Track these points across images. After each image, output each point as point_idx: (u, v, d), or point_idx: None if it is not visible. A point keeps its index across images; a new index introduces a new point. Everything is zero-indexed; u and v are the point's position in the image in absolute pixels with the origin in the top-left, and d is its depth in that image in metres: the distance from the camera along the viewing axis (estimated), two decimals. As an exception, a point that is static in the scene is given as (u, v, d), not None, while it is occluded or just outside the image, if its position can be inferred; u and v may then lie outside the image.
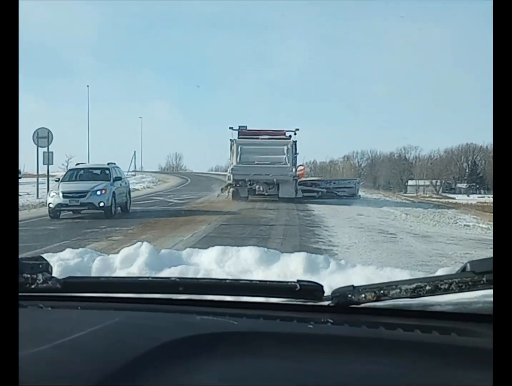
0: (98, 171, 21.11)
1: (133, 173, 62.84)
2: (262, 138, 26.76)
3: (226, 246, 2.09)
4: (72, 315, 1.47)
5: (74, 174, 21.14)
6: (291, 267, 1.89)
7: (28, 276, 1.55)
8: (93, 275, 1.96)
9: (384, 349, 1.25)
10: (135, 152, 69.55)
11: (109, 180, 19.96)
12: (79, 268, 1.98)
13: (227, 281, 1.65)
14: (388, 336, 1.33)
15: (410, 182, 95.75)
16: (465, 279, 1.34)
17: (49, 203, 18.90)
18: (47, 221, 17.92)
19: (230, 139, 27.39)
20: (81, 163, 23.19)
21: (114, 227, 15.59)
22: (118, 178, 20.66)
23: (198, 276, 1.87)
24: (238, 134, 27.61)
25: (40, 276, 1.56)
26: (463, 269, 1.38)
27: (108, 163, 21.55)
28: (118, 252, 2.11)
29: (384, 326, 1.38)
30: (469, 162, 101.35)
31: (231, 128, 27.85)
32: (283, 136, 27.64)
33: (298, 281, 1.51)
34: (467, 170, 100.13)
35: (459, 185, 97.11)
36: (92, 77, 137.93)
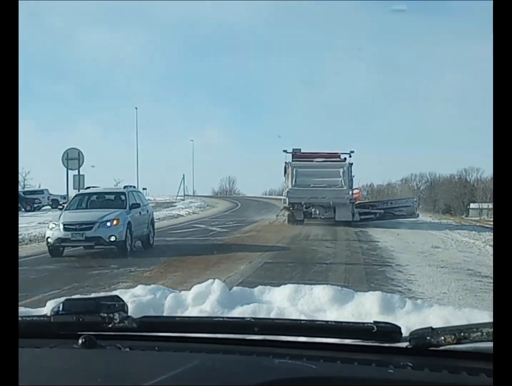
0: (112, 197, 17.46)
1: (182, 198, 61.90)
2: (317, 161, 26.51)
3: (299, 284, 2.07)
4: (151, 357, 1.47)
5: (81, 200, 17.27)
6: (365, 306, 1.86)
7: (105, 315, 1.58)
8: (165, 312, 1.97)
9: None
10: (184, 175, 67.09)
11: (125, 207, 16.29)
12: (152, 305, 1.99)
13: (303, 321, 1.63)
14: (471, 382, 1.29)
15: (472, 205, 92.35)
16: None
17: (47, 237, 15.17)
18: (46, 259, 14.61)
19: (285, 162, 27.26)
20: (93, 186, 18.79)
21: (128, 267, 12.66)
22: (137, 206, 16.88)
23: (271, 315, 1.86)
24: (292, 157, 27.46)
25: (116, 315, 1.58)
26: None
27: (125, 187, 18.14)
28: (190, 289, 2.12)
29: (466, 371, 1.33)
30: None
31: (285, 151, 27.82)
32: (338, 159, 27.38)
33: (375, 322, 1.48)
34: None
35: None
36: (144, 102, 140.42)
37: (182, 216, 36.25)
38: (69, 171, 24.59)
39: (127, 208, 16.29)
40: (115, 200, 17.05)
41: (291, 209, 26.36)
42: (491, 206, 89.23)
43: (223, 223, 29.10)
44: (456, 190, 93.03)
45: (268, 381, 1.21)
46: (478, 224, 32.45)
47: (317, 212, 26.26)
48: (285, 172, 27.49)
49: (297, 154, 27.60)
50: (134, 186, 18.34)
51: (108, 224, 15.20)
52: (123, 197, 16.80)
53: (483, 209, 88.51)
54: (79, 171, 24.81)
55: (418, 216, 28.82)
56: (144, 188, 67.03)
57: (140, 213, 16.97)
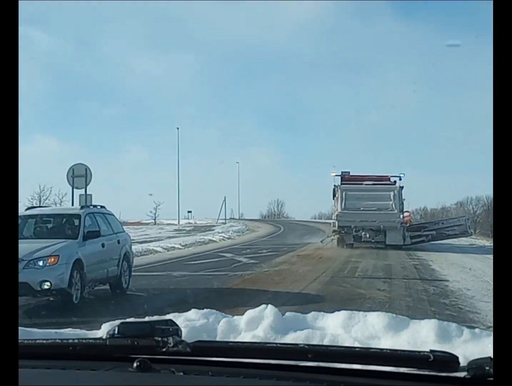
0: (61, 221, 12.07)
1: (224, 221, 60.13)
2: (367, 184, 26.44)
3: (352, 311, 2.05)
4: (204, 382, 1.48)
5: (20, 226, 11.15)
6: (421, 335, 1.83)
7: (160, 339, 1.59)
8: (218, 337, 1.97)
9: None
10: (225, 198, 64.97)
11: (76, 237, 11.09)
12: (205, 329, 2.00)
13: (357, 349, 1.61)
14: None
15: None
16: None
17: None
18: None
19: (334, 185, 27.11)
20: (40, 206, 12.98)
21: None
22: (96, 234, 11.58)
23: (325, 341, 1.84)
24: (341, 180, 27.31)
25: (170, 339, 1.59)
26: None
27: (82, 207, 13.18)
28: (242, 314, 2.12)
29: None
30: None
31: (334, 174, 27.69)
32: (388, 182, 27.17)
33: (432, 351, 1.45)
34: None
35: None
36: (190, 125, 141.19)
37: (214, 241, 33.01)
38: (75, 190, 20.24)
39: (80, 237, 11.09)
40: (65, 225, 11.88)
41: (340, 232, 26.10)
42: None
43: (255, 251, 24.79)
44: None
45: None
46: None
47: (367, 235, 25.84)
48: (334, 196, 27.31)
49: (346, 177, 27.45)
50: (101, 206, 13.21)
51: (40, 263, 9.96)
52: (76, 222, 11.64)
53: None
54: (86, 190, 20.40)
55: (471, 234, 28.35)
56: (189, 211, 65.13)
57: (103, 245, 11.77)
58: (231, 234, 40.00)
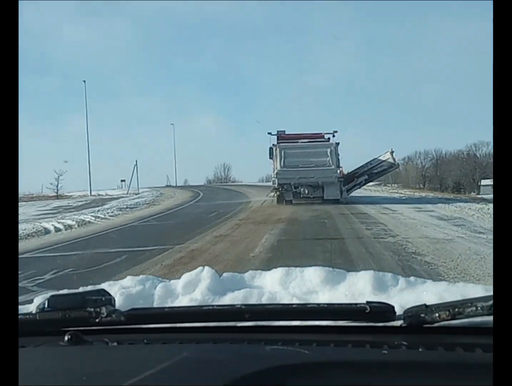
0: None
1: (137, 191, 50.69)
2: (303, 142, 27.12)
3: (289, 267, 2.03)
4: (139, 351, 1.44)
5: None
6: (358, 286, 1.83)
7: (92, 310, 1.54)
8: (155, 302, 1.93)
9: (464, 372, 1.19)
10: (136, 162, 56.19)
11: None
12: (141, 295, 1.96)
13: (294, 305, 1.60)
14: (467, 358, 1.26)
15: (483, 181, 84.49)
16: None
17: None
18: None
19: (273, 144, 27.62)
20: None
21: None
22: None
23: (263, 299, 1.82)
24: (277, 139, 27.88)
25: (103, 309, 1.54)
26: None
27: None
28: (179, 278, 2.07)
29: (462, 347, 1.31)
30: None
31: (269, 133, 28.22)
32: (323, 139, 27.92)
33: (368, 302, 1.45)
34: None
35: None
36: (133, 93, 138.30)
37: (89, 223, 22.58)
38: None
39: None
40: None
41: (280, 189, 26.75)
42: None
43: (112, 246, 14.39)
44: (466, 166, 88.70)
45: (259, 370, 1.18)
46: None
47: (306, 192, 26.69)
48: (270, 155, 27.83)
49: (281, 136, 28.06)
50: None
51: None
52: None
53: None
54: None
55: (398, 166, 29.83)
56: (122, 180, 60.16)
57: None
58: (116, 211, 28.56)
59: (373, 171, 28.38)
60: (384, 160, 28.22)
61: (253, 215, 21.21)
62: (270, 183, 30.04)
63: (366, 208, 22.98)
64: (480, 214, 19.04)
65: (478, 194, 69.65)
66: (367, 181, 28.88)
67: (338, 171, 26.61)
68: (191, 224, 19.02)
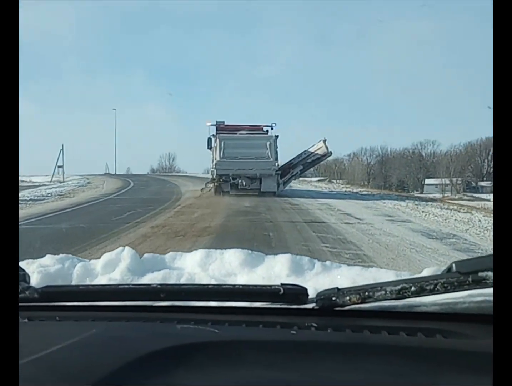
0: None
1: (61, 179, 46.28)
2: (243, 133, 27.01)
3: (210, 249, 2.05)
4: (49, 327, 1.43)
5: None
6: (275, 269, 1.86)
7: None
8: (74, 281, 1.92)
9: (368, 354, 1.23)
10: (62, 146, 51.51)
11: None
12: (60, 275, 1.94)
13: (210, 286, 1.62)
14: (372, 340, 1.31)
15: (427, 180, 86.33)
16: (451, 280, 1.32)
17: None
18: None
19: (213, 135, 27.50)
20: None
21: None
22: None
23: (181, 281, 1.83)
24: (216, 130, 27.68)
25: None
26: (449, 270, 1.36)
27: None
28: (99, 258, 2.06)
29: (369, 329, 1.35)
30: (488, 157, 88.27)
31: (209, 124, 28.25)
32: (262, 131, 27.92)
33: (282, 284, 1.48)
34: (487, 167, 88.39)
35: (481, 183, 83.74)
36: (80, 77, 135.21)
37: None
38: None
39: None
40: None
41: (219, 180, 26.53)
42: (447, 181, 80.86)
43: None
44: (411, 165, 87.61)
45: (167, 347, 1.19)
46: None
47: (244, 183, 26.50)
48: (209, 146, 27.77)
49: (220, 127, 27.86)
50: None
51: None
52: None
53: (437, 185, 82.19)
54: None
55: (331, 154, 29.19)
56: (59, 166, 53.98)
57: None
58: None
59: (307, 161, 28.33)
60: (317, 149, 28.25)
61: (175, 218, 16.34)
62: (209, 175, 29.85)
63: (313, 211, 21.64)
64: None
65: (422, 193, 69.51)
66: (302, 171, 28.97)
67: (276, 164, 26.48)
68: (85, 232, 13.56)
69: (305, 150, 28.56)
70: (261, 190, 26.30)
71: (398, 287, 1.37)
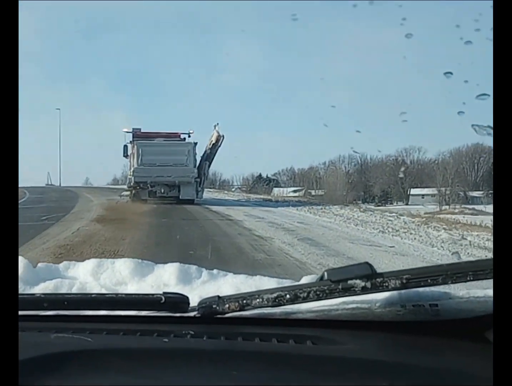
0: None
1: None
2: (161, 140, 26.67)
3: (101, 258, 2.08)
4: None
5: None
6: (164, 278, 1.90)
7: None
8: None
9: (238, 360, 1.28)
10: None
11: None
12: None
13: (92, 295, 1.64)
14: (244, 347, 1.36)
15: (413, 191, 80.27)
16: (323, 287, 1.38)
17: None
18: None
19: (129, 141, 27.15)
20: None
21: None
22: None
23: (73, 290, 1.85)
24: (133, 137, 27.24)
25: None
26: (321, 277, 1.42)
27: None
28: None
29: (243, 336, 1.41)
30: (478, 165, 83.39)
31: (125, 131, 27.91)
32: (179, 139, 27.68)
33: (164, 293, 1.52)
34: (476, 176, 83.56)
35: (473, 194, 79.52)
36: (37, 85, 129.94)
37: None
38: None
39: None
40: None
41: (136, 187, 26.00)
42: (435, 191, 73.12)
43: None
44: (394, 173, 78.63)
45: (37, 356, 1.22)
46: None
47: (162, 191, 26.11)
48: (124, 153, 27.54)
49: (137, 134, 27.44)
50: None
51: None
52: None
53: (424, 195, 76.96)
54: None
55: (223, 137, 27.17)
56: None
57: None
58: None
59: (208, 153, 27.40)
60: (212, 138, 27.38)
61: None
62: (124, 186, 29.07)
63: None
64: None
65: (407, 204, 66.31)
66: (209, 165, 27.84)
67: (195, 171, 26.15)
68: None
69: (206, 147, 27.88)
70: (180, 198, 25.86)
71: (275, 295, 1.43)
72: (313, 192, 71.77)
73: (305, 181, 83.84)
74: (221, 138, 27.26)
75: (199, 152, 27.18)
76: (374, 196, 79.87)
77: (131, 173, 26.10)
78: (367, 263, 1.37)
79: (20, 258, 2.03)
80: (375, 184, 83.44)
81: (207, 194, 29.29)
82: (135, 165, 25.67)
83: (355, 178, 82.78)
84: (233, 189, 74.09)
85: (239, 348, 1.36)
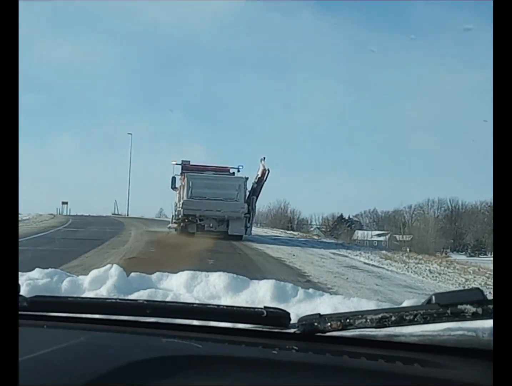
0: None
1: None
2: (210, 174, 26.46)
3: (195, 271, 2.09)
4: (37, 333, 1.46)
5: None
6: (259, 294, 1.90)
7: None
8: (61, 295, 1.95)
9: (347, 377, 1.26)
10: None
11: None
12: (48, 288, 1.97)
13: (194, 305, 1.65)
14: (351, 364, 1.34)
15: None
16: (430, 311, 1.35)
17: None
18: None
19: (181, 172, 26.93)
20: None
21: None
22: None
23: (167, 300, 1.87)
24: (182, 169, 27.09)
25: None
26: (429, 301, 1.39)
27: None
28: (87, 274, 2.10)
29: (348, 354, 1.39)
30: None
31: (174, 163, 27.65)
32: (228, 173, 27.46)
33: (265, 307, 1.52)
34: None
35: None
36: (120, 117, 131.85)
37: None
38: None
39: None
40: None
41: (184, 220, 25.57)
42: None
43: None
44: (490, 222, 67.26)
45: (151, 358, 1.23)
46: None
47: (211, 225, 25.67)
48: (172, 185, 27.33)
49: (186, 166, 27.27)
50: None
51: None
52: None
53: None
54: None
55: (269, 171, 26.54)
56: (64, 203, 56.02)
57: None
58: None
59: (254, 188, 26.83)
60: (259, 172, 26.82)
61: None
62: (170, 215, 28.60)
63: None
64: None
65: None
66: (256, 200, 27.16)
67: (246, 206, 25.57)
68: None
69: (252, 183, 27.27)
70: (229, 233, 25.23)
71: (379, 316, 1.41)
72: (398, 237, 67.98)
73: (389, 225, 78.86)
74: (267, 172, 26.76)
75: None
76: (465, 245, 75.02)
77: (180, 206, 25.62)
78: (478, 288, 1.34)
79: (114, 266, 2.06)
80: (467, 232, 78.30)
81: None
82: (185, 198, 25.23)
83: (445, 225, 77.03)
84: (311, 229, 72.25)
85: (346, 364, 1.34)
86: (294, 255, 18.89)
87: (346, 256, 20.97)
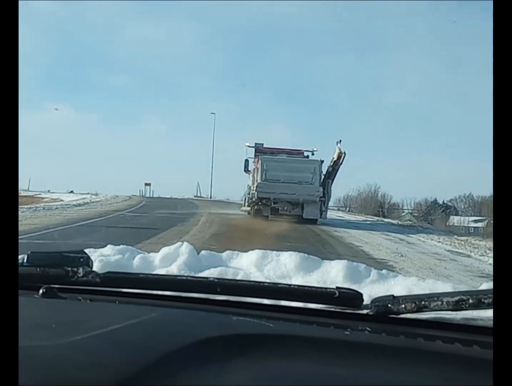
0: None
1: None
2: (287, 156, 26.06)
3: (266, 250, 2.07)
4: (110, 308, 1.47)
5: None
6: (331, 274, 1.87)
7: (69, 269, 1.57)
8: (132, 272, 1.97)
9: (421, 359, 1.22)
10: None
11: None
12: (119, 264, 1.99)
13: (266, 283, 1.63)
14: (426, 347, 1.30)
15: None
16: None
17: None
18: None
19: (255, 155, 26.68)
20: None
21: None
22: None
23: (237, 278, 1.86)
24: (255, 151, 26.90)
25: (80, 270, 1.58)
26: None
27: None
28: (158, 251, 2.11)
29: (423, 337, 1.34)
30: None
31: (247, 145, 27.49)
32: (302, 156, 27.12)
33: (337, 287, 1.49)
34: None
35: None
36: (206, 98, 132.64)
37: None
38: None
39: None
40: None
41: (258, 203, 25.16)
42: None
43: None
44: None
45: (222, 336, 1.22)
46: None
47: (285, 208, 25.24)
48: (245, 168, 27.20)
49: (259, 149, 27.04)
50: None
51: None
52: None
53: None
54: None
55: (345, 154, 25.63)
56: (147, 184, 54.58)
57: None
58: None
59: (330, 171, 25.74)
60: (334, 155, 25.70)
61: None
62: (245, 198, 28.11)
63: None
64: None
65: None
66: (331, 184, 26.13)
67: (321, 190, 24.84)
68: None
69: (327, 165, 26.31)
70: (303, 216, 24.78)
71: (455, 299, 1.35)
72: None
73: (487, 211, 77.88)
74: (343, 155, 25.90)
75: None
76: None
77: (254, 189, 25.20)
78: None
79: (185, 244, 2.07)
80: None
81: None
82: (259, 180, 24.83)
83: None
84: (402, 214, 70.91)
85: (421, 347, 1.29)
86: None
87: (469, 256, 15.42)
